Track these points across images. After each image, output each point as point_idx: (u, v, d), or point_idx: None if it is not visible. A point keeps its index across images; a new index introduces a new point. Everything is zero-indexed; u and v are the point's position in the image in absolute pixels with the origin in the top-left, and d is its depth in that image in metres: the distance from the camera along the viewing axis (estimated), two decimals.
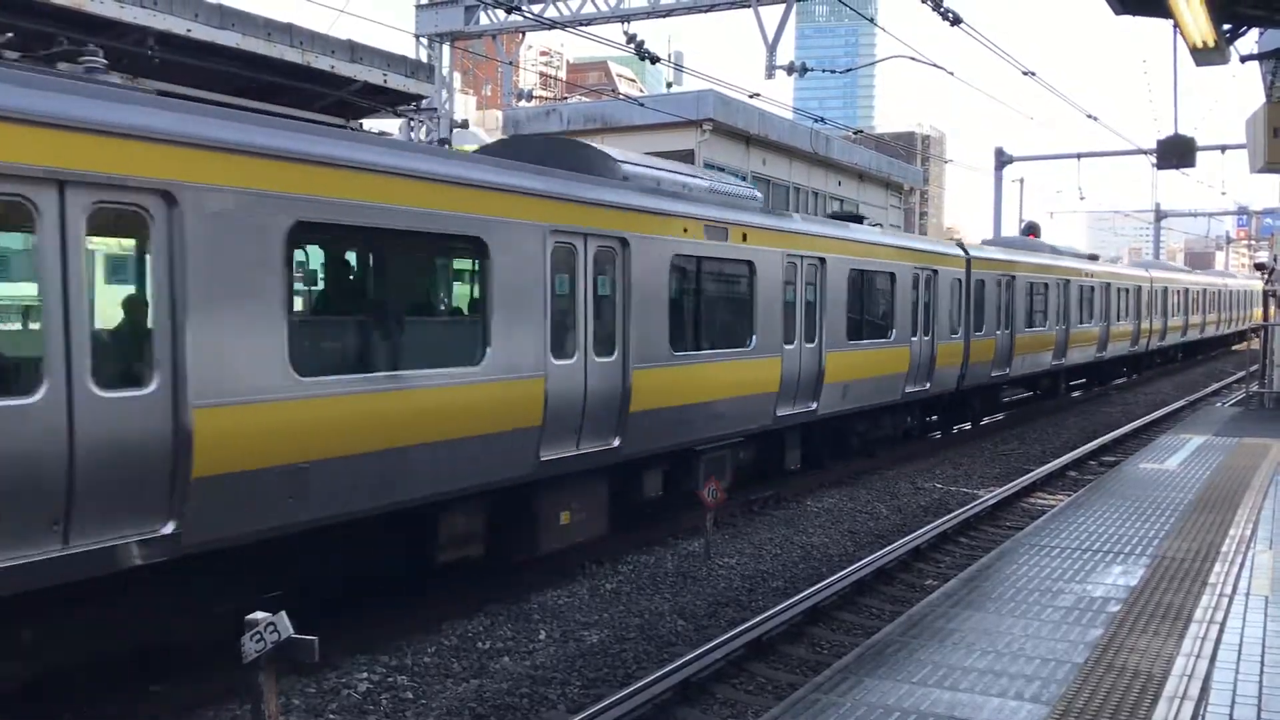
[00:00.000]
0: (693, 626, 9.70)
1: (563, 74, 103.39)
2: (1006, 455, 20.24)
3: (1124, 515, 11.57)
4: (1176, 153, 18.41)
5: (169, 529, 6.80)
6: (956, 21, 16.77)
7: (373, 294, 9.18)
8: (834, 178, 33.65)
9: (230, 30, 13.39)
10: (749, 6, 20.93)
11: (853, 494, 15.90)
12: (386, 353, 8.57)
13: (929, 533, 12.76)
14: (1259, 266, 31.93)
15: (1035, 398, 28.25)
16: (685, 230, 12.06)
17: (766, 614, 9.33)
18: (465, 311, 9.88)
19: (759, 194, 15.43)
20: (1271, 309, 25.87)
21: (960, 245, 22.03)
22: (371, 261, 9.11)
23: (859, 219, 18.77)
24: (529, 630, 9.41)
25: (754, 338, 13.37)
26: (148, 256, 6.82)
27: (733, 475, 13.47)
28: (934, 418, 21.89)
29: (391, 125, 20.80)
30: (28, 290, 6.36)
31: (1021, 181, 50.74)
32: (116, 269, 6.92)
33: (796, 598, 9.89)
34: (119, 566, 6.59)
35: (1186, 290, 42.05)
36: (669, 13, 22.49)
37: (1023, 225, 38.83)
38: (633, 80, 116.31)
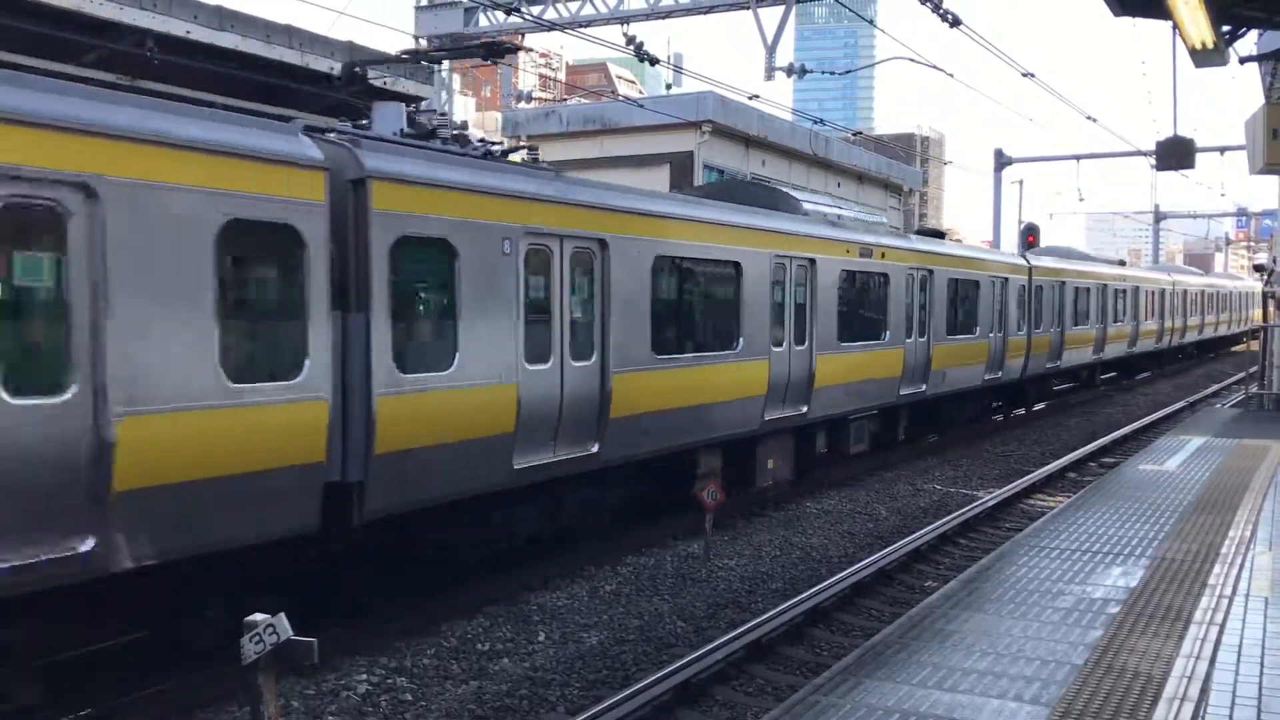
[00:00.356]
0: (692, 628, 9.69)
1: (562, 76, 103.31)
2: (1006, 456, 20.24)
3: (1124, 516, 11.57)
4: (1176, 154, 18.42)
5: (595, 449, 10.83)
6: (956, 23, 16.80)
7: (685, 300, 12.87)
8: (833, 179, 33.65)
9: (229, 32, 13.38)
10: (748, 8, 20.95)
11: (852, 495, 15.90)
12: (691, 340, 12.74)
13: (928, 534, 12.76)
14: (1258, 268, 32.03)
15: (1076, 388, 31.78)
16: (847, 251, 16.04)
17: (766, 615, 9.33)
18: (730, 313, 13.38)
19: (884, 219, 19.77)
20: (1270, 310, 25.87)
21: (1024, 256, 26.01)
22: (683, 279, 12.74)
23: (941, 234, 23.19)
24: (528, 632, 9.40)
25: (886, 333, 17.21)
26: (593, 278, 10.89)
27: (870, 439, 17.35)
28: (999, 403, 25.38)
29: None
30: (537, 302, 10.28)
31: (1021, 183, 50.67)
32: (576, 288, 10.78)
33: (796, 599, 9.89)
34: (574, 471, 10.63)
35: (1202, 292, 44.92)
36: (668, 14, 22.52)
37: (1022, 227, 38.84)
38: (632, 82, 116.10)
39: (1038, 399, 27.36)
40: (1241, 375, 30.33)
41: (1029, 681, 6.57)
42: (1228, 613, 7.88)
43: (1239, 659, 6.80)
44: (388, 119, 9.60)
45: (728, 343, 13.19)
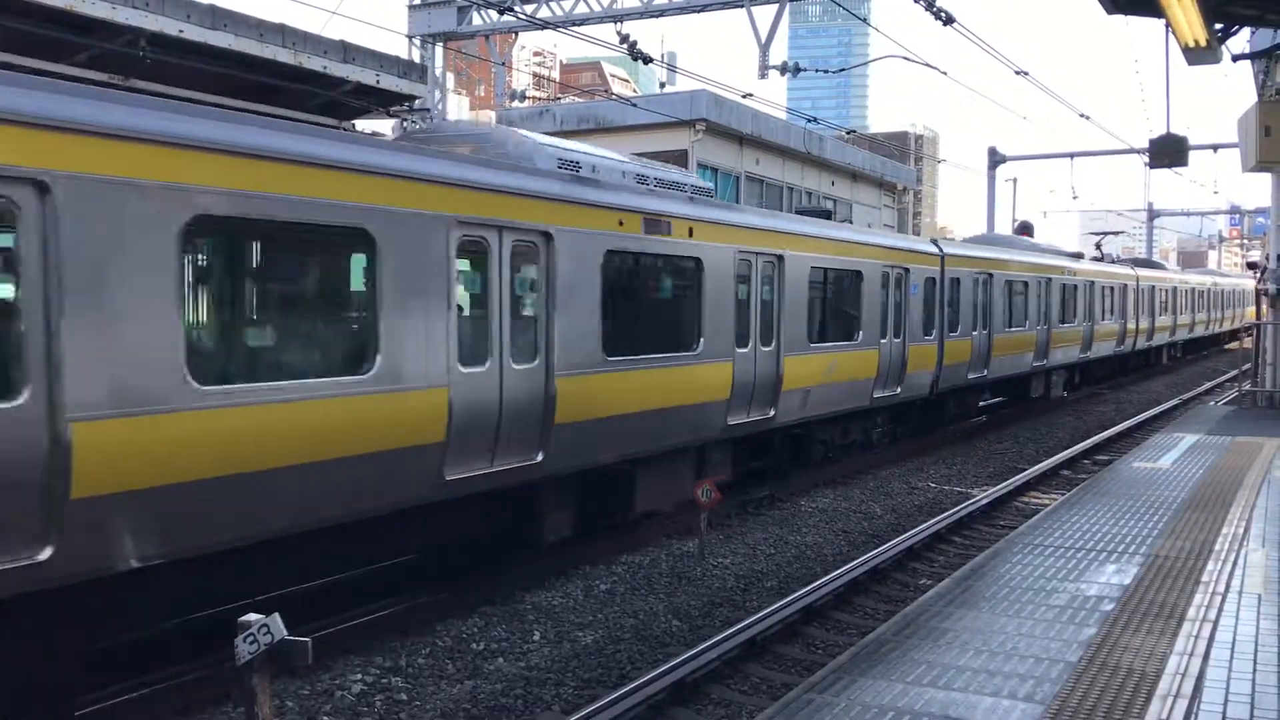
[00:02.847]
0: (687, 627, 9.69)
1: (556, 74, 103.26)
2: (1000, 454, 20.27)
3: (1117, 514, 11.59)
4: (1169, 152, 18.44)
5: (772, 413, 13.97)
6: (949, 21, 16.81)
7: (825, 300, 15.70)
8: (827, 178, 33.68)
9: (222, 31, 13.31)
10: (742, 6, 20.95)
11: (846, 494, 15.91)
12: (829, 331, 15.63)
13: (923, 532, 12.78)
14: (1251, 265, 32.14)
15: (1102, 376, 33.53)
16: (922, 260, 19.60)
17: (761, 614, 9.34)
18: (854, 311, 16.32)
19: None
20: (1264, 308, 25.89)
21: (1067, 256, 28.54)
22: (825, 284, 15.61)
23: (994, 242, 26.55)
24: (523, 631, 9.40)
25: (959, 327, 20.39)
26: (773, 284, 14.02)
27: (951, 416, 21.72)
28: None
29: (384, 125, 20.74)
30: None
31: (1015, 181, 50.73)
32: (763, 291, 13.83)
33: (791, 597, 9.89)
34: (757, 430, 13.95)
35: (1209, 291, 46.53)
36: (661, 13, 22.49)
37: (1016, 225, 38.90)
38: (626, 81, 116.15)
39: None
40: (1234, 373, 30.39)
41: (1023, 679, 6.58)
42: (1221, 610, 7.89)
43: (1232, 656, 6.81)
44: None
45: (852, 334, 16.12)
